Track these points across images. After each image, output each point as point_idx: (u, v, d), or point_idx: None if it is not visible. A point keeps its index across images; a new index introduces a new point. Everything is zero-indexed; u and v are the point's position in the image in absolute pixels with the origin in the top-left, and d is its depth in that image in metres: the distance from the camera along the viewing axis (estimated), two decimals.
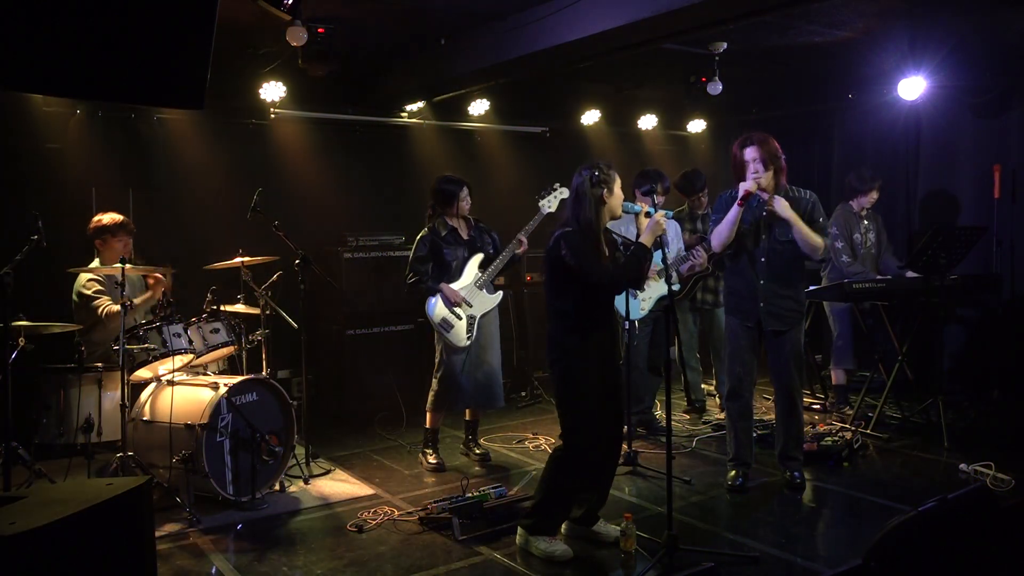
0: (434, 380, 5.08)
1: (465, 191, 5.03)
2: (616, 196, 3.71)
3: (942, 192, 6.81)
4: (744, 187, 4.32)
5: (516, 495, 4.23)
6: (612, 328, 3.84)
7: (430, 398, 5.09)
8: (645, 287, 5.49)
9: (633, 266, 3.69)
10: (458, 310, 4.92)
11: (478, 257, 5.05)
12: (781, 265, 4.39)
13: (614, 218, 3.76)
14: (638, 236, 3.77)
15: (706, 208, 6.10)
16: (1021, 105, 6.32)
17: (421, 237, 5.03)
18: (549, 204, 4.79)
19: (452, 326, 4.91)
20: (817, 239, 4.31)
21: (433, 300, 4.93)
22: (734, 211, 4.34)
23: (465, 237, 5.06)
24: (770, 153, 4.31)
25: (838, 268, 6.01)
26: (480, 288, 4.99)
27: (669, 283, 4.00)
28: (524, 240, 4.92)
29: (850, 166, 6.61)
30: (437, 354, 5.07)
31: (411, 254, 5.03)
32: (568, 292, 3.66)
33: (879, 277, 5.81)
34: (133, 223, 5.05)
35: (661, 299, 5.53)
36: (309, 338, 5.08)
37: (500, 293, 5.11)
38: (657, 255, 3.76)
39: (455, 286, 4.94)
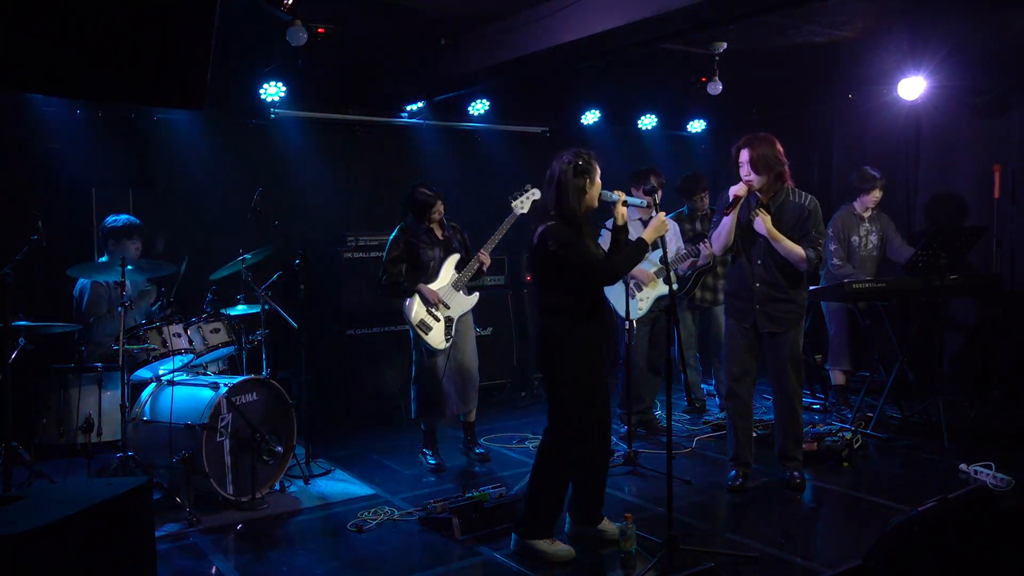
0: (413, 388, 5.05)
1: (440, 203, 4.97)
2: (596, 187, 3.68)
3: (942, 192, 6.81)
4: (733, 191, 4.32)
5: (516, 495, 4.23)
6: (604, 321, 3.79)
7: (413, 409, 5.05)
8: (643, 287, 5.49)
9: (630, 259, 3.68)
10: (436, 312, 4.89)
11: (454, 258, 5.02)
12: (777, 268, 4.37)
13: (591, 208, 3.72)
14: (615, 223, 3.75)
15: (706, 209, 6.11)
16: (1021, 105, 6.31)
17: (394, 238, 4.97)
18: (522, 205, 4.82)
19: (431, 328, 4.86)
20: (799, 252, 4.27)
21: (409, 301, 4.89)
22: (726, 219, 4.35)
23: (440, 237, 5.03)
24: (763, 157, 4.26)
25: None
26: (457, 290, 4.97)
27: (670, 283, 3.99)
28: (485, 256, 4.89)
29: (850, 166, 6.61)
30: (414, 363, 5.02)
31: (384, 255, 4.95)
32: (559, 286, 3.62)
33: (870, 278, 5.80)
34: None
35: (659, 299, 5.53)
36: (309, 338, 5.08)
37: (476, 295, 5.10)
38: (656, 254, 3.74)
39: (432, 287, 4.91)
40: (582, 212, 3.66)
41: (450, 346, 4.91)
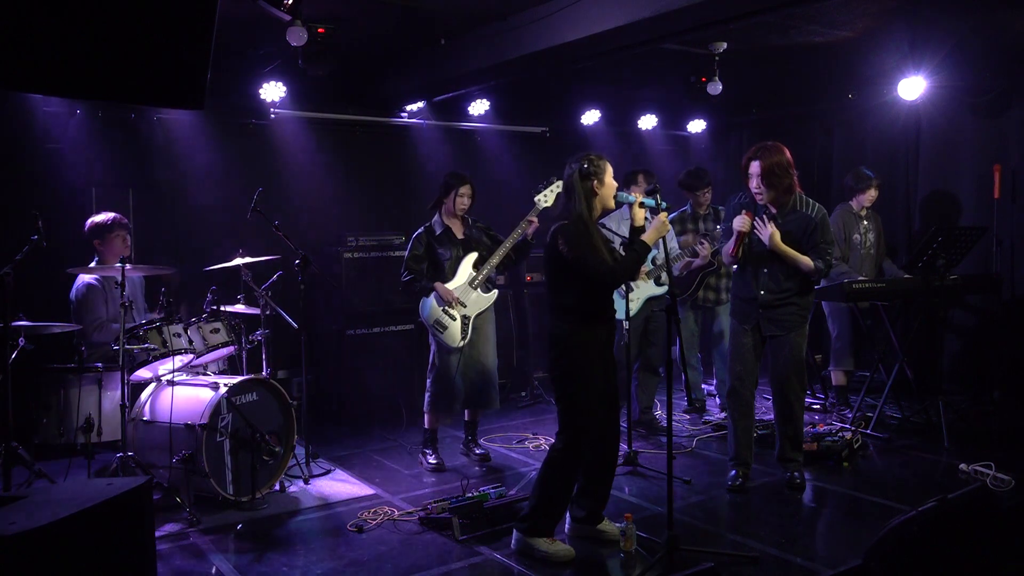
0: (428, 382, 5.08)
1: (466, 188, 4.99)
2: (608, 186, 3.69)
3: (942, 192, 6.81)
4: (736, 227, 4.35)
5: (516, 495, 4.23)
6: (612, 322, 3.82)
7: (426, 400, 5.10)
8: (634, 287, 5.49)
9: (632, 262, 3.69)
10: (452, 311, 4.90)
11: (472, 256, 5.03)
12: (785, 277, 4.38)
13: (607, 209, 3.76)
14: (632, 224, 3.77)
15: (708, 208, 6.09)
16: (1021, 105, 6.32)
17: (417, 235, 5.03)
18: (545, 199, 4.82)
19: (446, 327, 4.89)
20: (808, 263, 4.30)
21: (427, 300, 4.92)
22: (732, 241, 4.39)
23: (460, 237, 5.05)
24: (774, 169, 4.27)
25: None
26: (474, 288, 4.97)
27: (671, 283, 3.98)
28: (535, 220, 4.83)
29: (850, 166, 6.61)
30: (431, 355, 5.07)
31: (407, 252, 5.01)
32: (569, 287, 3.65)
33: (864, 277, 5.79)
34: (131, 222, 5.05)
35: (650, 299, 5.53)
36: (309, 338, 5.08)
37: (495, 292, 5.09)
38: (654, 253, 3.74)
39: (448, 286, 4.93)
40: (596, 214, 3.70)
41: (466, 344, 4.92)
